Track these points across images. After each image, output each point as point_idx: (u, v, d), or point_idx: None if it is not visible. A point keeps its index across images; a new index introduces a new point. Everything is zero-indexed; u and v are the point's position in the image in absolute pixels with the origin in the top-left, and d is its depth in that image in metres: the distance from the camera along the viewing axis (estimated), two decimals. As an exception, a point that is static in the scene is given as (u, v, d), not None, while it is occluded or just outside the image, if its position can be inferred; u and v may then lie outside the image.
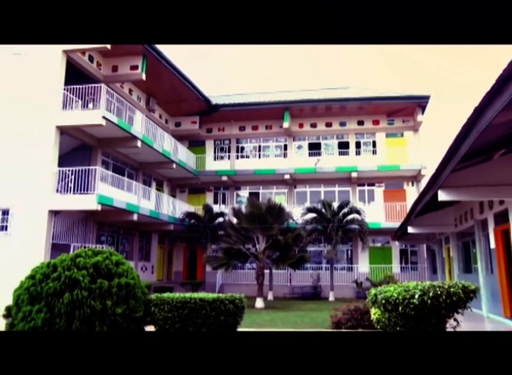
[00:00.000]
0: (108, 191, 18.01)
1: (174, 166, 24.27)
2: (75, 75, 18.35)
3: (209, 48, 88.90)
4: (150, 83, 23.18)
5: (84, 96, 17.87)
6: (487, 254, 12.63)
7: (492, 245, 11.86)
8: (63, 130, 17.29)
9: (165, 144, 23.57)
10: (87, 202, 16.57)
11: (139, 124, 20.75)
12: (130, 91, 23.43)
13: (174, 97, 25.93)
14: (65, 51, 17.39)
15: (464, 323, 7.22)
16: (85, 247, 8.55)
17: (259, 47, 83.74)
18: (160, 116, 27.16)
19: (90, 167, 17.48)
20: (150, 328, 7.79)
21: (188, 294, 7.75)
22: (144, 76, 20.65)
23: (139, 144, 19.99)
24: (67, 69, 17.67)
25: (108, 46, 17.24)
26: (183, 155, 26.06)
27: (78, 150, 19.38)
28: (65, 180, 16.98)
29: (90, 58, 19.76)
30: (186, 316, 7.40)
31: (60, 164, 17.07)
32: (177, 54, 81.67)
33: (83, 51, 18.75)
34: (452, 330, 6.84)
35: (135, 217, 19.66)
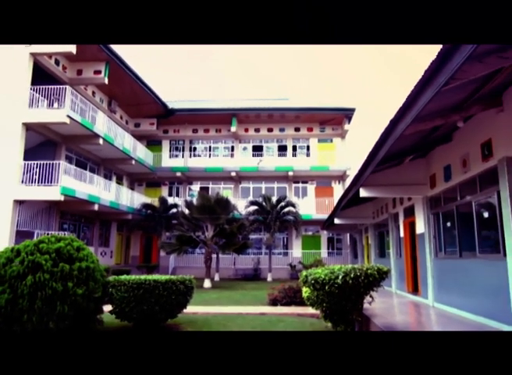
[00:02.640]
0: (71, 183, 17.27)
1: (133, 162, 23.69)
2: (41, 76, 17.40)
3: (209, 48, 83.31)
4: (112, 87, 22.35)
5: (50, 96, 17.01)
6: (397, 241, 13.18)
7: (402, 234, 12.38)
8: (29, 127, 16.37)
9: (126, 142, 22.85)
10: (51, 193, 15.85)
11: (101, 124, 19.96)
12: (94, 93, 22.49)
13: (134, 100, 25.17)
14: (32, 54, 16.44)
15: (377, 298, 7.52)
16: (48, 234, 8.15)
17: (259, 47, 78.14)
18: (121, 117, 26.28)
19: (55, 161, 16.69)
20: (107, 307, 7.57)
21: (143, 277, 7.61)
22: (106, 81, 19.89)
23: (101, 141, 19.28)
24: (34, 71, 16.72)
25: (74, 51, 16.46)
26: (141, 152, 25.40)
27: (43, 145, 18.43)
28: (31, 172, 16.14)
29: (56, 62, 18.77)
30: (141, 296, 7.26)
31: (26, 158, 16.18)
32: (177, 54, 76.76)
33: (49, 55, 17.80)
34: (368, 304, 7.10)
35: (96, 207, 19.01)
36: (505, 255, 6.08)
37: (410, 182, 9.81)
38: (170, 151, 29.37)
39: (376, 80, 75.53)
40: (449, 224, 8.88)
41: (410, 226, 11.65)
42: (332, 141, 29.04)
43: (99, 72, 19.71)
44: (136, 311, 7.30)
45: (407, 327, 6.72)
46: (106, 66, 19.77)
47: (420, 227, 10.29)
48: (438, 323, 7.20)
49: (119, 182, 25.60)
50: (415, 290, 11.26)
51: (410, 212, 11.41)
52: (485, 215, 7.20)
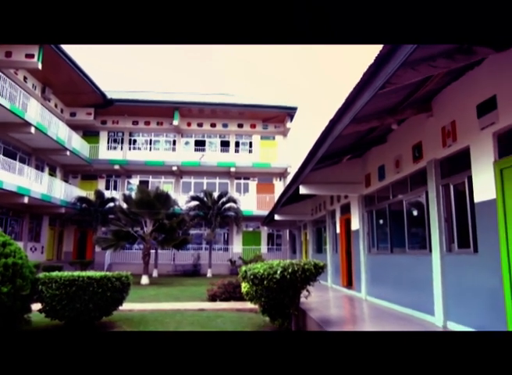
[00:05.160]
0: (-2, 173, 16.13)
1: (68, 153, 22.54)
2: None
3: (209, 48, 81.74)
4: (46, 73, 21.05)
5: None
6: (334, 238, 13.64)
7: (338, 231, 12.84)
8: (-50, 111, 15.05)
9: (60, 132, 21.66)
10: (-26, 184, 14.69)
11: (33, 111, 18.77)
12: (25, 78, 21.06)
13: (71, 88, 23.88)
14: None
15: (313, 292, 7.76)
16: (-30, 227, 7.56)
17: (259, 47, 76.85)
18: (56, 106, 24.86)
19: (-21, 149, 15.48)
20: (36, 306, 7.16)
21: (76, 273, 7.29)
22: (40, 66, 18.67)
23: (33, 130, 18.14)
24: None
25: None
26: (77, 143, 24.21)
27: (-34, 132, 17.04)
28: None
29: (-17, 42, 17.34)
30: (74, 293, 6.95)
31: None
32: (177, 53, 75.05)
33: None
34: (304, 298, 7.29)
35: (26, 200, 17.90)
36: (430, 250, 6.51)
37: (347, 180, 10.20)
38: (108, 142, 28.28)
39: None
40: (381, 221, 9.34)
41: (346, 223, 12.09)
42: (274, 138, 29.47)
43: (31, 56, 18.46)
44: (69, 309, 6.98)
45: (341, 320, 7.00)
46: (40, 50, 18.55)
47: (355, 224, 10.72)
48: (369, 316, 7.56)
49: (52, 174, 24.24)
50: (349, 284, 11.73)
51: (346, 210, 11.84)
52: (415, 213, 7.66)
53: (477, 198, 5.24)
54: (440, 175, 6.40)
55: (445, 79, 5.74)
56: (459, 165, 5.85)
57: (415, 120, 7.07)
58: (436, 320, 6.21)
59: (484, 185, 5.08)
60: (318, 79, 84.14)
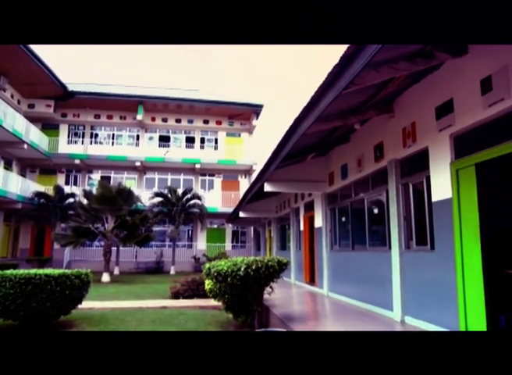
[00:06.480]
0: None
1: (25, 146, 21.53)
2: None
3: (209, 48, 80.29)
4: (1, 62, 20.08)
5: None
6: (297, 235, 13.82)
7: (302, 228, 13.01)
8: None
9: (17, 124, 20.70)
10: None
11: (-13, 102, 17.88)
12: (-21, 67, 20.03)
13: (29, 79, 22.81)
14: None
15: (277, 289, 7.82)
16: None
17: (259, 47, 75.88)
18: (12, 96, 23.73)
19: None
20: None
21: (33, 271, 7.03)
22: (-5, 54, 17.81)
23: (-14, 121, 17.29)
24: None
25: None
26: (35, 136, 23.22)
27: None
28: None
29: None
30: (30, 292, 6.70)
31: None
32: (177, 53, 73.31)
33: None
34: (268, 295, 7.34)
35: (-22, 194, 17.03)
36: (390, 248, 6.71)
37: (311, 179, 10.34)
38: (68, 136, 27.33)
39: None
40: (344, 219, 9.53)
41: (310, 221, 12.26)
42: (240, 135, 29.45)
43: (-14, 43, 17.55)
44: (24, 308, 6.71)
45: (304, 316, 7.10)
46: (-5, 38, 17.67)
47: (318, 222, 10.89)
48: (331, 312, 7.71)
49: (8, 167, 23.17)
50: (312, 280, 11.91)
51: (310, 207, 12.01)
52: (376, 211, 7.86)
53: (434, 198, 5.44)
54: (400, 174, 6.60)
55: (406, 81, 5.92)
56: (418, 165, 6.05)
57: (377, 121, 7.25)
58: (395, 315, 6.41)
59: (441, 185, 5.28)
60: (318, 79, 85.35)
